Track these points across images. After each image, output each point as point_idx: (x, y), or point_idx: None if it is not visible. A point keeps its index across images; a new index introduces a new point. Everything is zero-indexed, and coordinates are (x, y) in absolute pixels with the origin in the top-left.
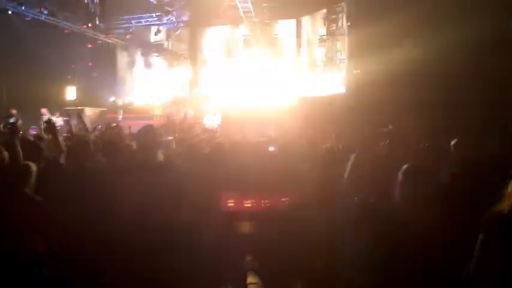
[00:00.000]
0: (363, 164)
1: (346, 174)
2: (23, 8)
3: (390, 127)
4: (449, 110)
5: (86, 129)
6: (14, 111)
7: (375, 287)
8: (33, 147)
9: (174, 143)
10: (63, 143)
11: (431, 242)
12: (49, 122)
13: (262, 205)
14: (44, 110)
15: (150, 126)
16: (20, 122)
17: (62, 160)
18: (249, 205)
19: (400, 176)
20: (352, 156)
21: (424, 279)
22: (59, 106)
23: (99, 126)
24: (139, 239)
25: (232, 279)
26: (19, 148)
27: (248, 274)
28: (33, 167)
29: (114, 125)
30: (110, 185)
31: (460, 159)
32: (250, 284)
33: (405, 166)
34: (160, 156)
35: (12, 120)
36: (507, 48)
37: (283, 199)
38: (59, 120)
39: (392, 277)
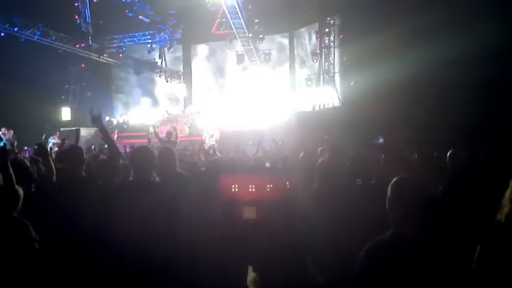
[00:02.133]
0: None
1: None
2: (16, 29)
3: (381, 139)
4: (442, 121)
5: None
6: (4, 130)
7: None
8: (23, 170)
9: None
10: (53, 165)
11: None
12: (40, 145)
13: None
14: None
15: (143, 147)
16: (12, 142)
17: (54, 179)
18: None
19: (389, 189)
20: None
21: None
22: (54, 127)
23: (93, 147)
24: (137, 258)
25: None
26: (11, 170)
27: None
28: (20, 191)
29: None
30: (106, 203)
31: (454, 170)
32: None
33: (394, 179)
34: (155, 176)
35: (2, 142)
36: (494, 59)
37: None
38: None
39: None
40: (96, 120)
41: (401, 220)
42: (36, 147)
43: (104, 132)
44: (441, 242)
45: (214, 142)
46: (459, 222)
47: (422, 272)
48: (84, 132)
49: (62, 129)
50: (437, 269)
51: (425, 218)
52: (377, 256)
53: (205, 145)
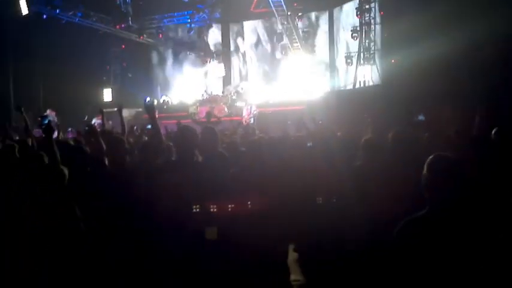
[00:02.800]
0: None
1: None
2: (57, 11)
3: (421, 117)
4: (484, 100)
5: (123, 130)
6: (49, 112)
7: None
8: (75, 151)
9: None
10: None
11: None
12: (91, 127)
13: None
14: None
15: (186, 126)
16: (56, 122)
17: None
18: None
19: (425, 167)
20: None
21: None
22: (95, 108)
23: (135, 128)
24: (177, 235)
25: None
26: (55, 148)
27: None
28: (65, 170)
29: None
30: (151, 183)
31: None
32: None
33: (430, 157)
34: (198, 156)
35: (46, 120)
36: None
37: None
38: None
39: None
40: (150, 109)
41: (435, 198)
42: (86, 128)
43: (154, 120)
44: (476, 220)
45: (252, 119)
46: (494, 200)
47: (456, 250)
48: (125, 113)
49: (104, 110)
50: (471, 247)
51: (460, 196)
52: (411, 233)
53: (244, 122)
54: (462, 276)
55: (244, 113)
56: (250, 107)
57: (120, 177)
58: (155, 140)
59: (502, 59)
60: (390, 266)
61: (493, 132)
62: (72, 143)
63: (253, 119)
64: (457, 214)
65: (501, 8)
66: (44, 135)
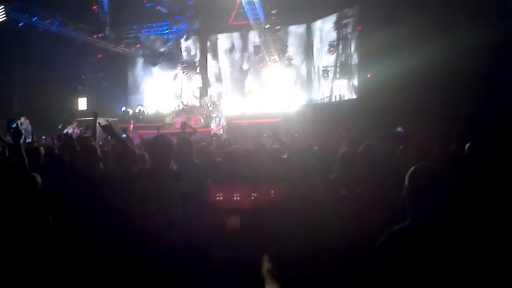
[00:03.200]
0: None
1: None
2: (34, 19)
3: (399, 129)
4: (460, 113)
5: (93, 136)
6: (23, 120)
7: None
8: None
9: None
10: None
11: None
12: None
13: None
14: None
15: (162, 135)
16: (29, 129)
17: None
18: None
19: (406, 178)
20: None
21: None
22: (71, 116)
23: (109, 137)
24: (155, 243)
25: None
26: (24, 153)
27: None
28: (38, 178)
29: (124, 135)
30: (123, 191)
31: (473, 161)
32: None
33: (412, 168)
34: (173, 165)
35: (14, 124)
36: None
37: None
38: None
39: None
40: (108, 130)
41: (418, 210)
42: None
43: (115, 136)
44: (459, 232)
45: (222, 130)
46: (477, 212)
47: (439, 263)
48: (101, 122)
49: (78, 119)
50: (454, 259)
51: (443, 208)
52: (394, 245)
53: (214, 133)
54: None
55: (213, 126)
56: (219, 119)
57: (92, 184)
58: (120, 149)
59: (476, 71)
60: (373, 278)
61: (466, 146)
62: (43, 150)
63: (223, 131)
64: (441, 225)
65: (474, 20)
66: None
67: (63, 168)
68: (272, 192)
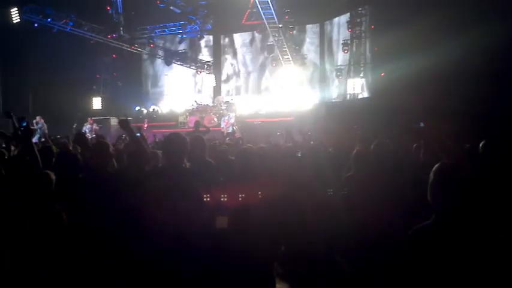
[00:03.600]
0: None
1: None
2: (49, 20)
3: (421, 124)
4: (473, 112)
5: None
6: (39, 119)
7: None
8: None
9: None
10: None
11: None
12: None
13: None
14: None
15: (177, 134)
16: (44, 128)
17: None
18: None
19: (431, 175)
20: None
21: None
22: (85, 115)
23: (124, 136)
24: (166, 240)
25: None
26: (36, 151)
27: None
28: (52, 176)
29: (138, 134)
30: (138, 188)
31: (489, 160)
32: None
33: (436, 166)
34: (186, 163)
35: (24, 123)
36: None
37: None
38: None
39: None
40: (125, 125)
41: (443, 207)
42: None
43: (131, 133)
44: (482, 229)
45: (231, 128)
46: (500, 209)
47: (463, 260)
48: (115, 121)
49: (93, 118)
50: (477, 256)
51: (467, 206)
52: (419, 244)
53: (227, 132)
54: (472, 284)
55: (223, 124)
56: (228, 117)
57: (104, 181)
58: (133, 147)
59: (488, 70)
60: (398, 276)
61: (480, 144)
62: (55, 148)
63: (232, 129)
64: (466, 222)
65: (490, 20)
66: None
67: (75, 165)
68: (278, 190)
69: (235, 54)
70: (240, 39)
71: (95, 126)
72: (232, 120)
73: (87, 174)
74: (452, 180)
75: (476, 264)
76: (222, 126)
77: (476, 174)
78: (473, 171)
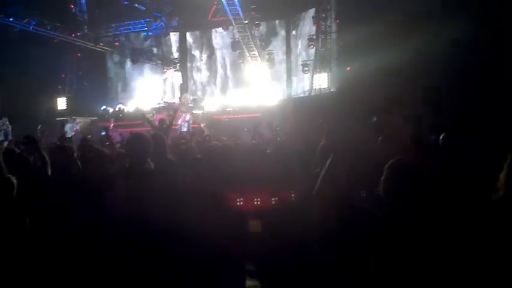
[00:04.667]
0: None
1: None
2: (11, 20)
3: (375, 119)
4: (436, 107)
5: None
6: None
7: None
8: (21, 160)
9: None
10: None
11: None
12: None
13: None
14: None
15: (139, 134)
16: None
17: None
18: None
19: (385, 170)
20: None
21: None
22: (49, 116)
23: (89, 136)
24: (132, 243)
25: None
26: (1, 160)
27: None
28: (14, 180)
29: (103, 133)
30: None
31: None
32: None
33: (391, 161)
34: (150, 163)
35: None
36: (484, 47)
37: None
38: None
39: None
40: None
41: (395, 201)
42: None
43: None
44: (435, 223)
45: (186, 126)
46: (453, 204)
47: (411, 253)
48: (80, 121)
49: (57, 118)
50: (431, 250)
51: (420, 200)
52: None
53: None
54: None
55: (179, 121)
56: (185, 115)
57: (66, 187)
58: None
59: (452, 67)
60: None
61: (440, 137)
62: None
63: (187, 127)
64: (417, 218)
65: (449, 18)
66: None
67: (29, 169)
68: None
69: (202, 51)
70: (206, 35)
71: (76, 127)
72: (187, 118)
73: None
74: (405, 176)
75: (423, 259)
76: (178, 123)
77: (428, 170)
78: (432, 163)
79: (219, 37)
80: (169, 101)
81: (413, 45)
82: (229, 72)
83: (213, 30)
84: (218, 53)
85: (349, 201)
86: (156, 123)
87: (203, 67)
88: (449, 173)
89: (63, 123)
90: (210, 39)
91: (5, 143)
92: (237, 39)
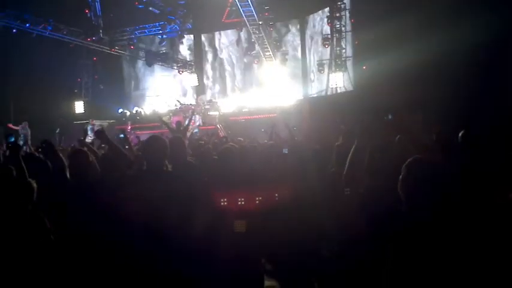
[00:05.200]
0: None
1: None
2: (27, 25)
3: (390, 117)
4: (455, 106)
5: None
6: (24, 125)
7: None
8: (40, 163)
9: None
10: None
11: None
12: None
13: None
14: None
15: (155, 136)
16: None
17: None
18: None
19: (403, 169)
20: (353, 148)
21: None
22: (67, 120)
23: (103, 145)
24: (147, 247)
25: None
26: (23, 164)
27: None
28: (34, 184)
29: (122, 136)
30: (117, 194)
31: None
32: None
33: (408, 160)
34: (168, 166)
35: (12, 139)
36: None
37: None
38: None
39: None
40: (101, 135)
41: (414, 200)
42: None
43: (109, 142)
44: (454, 222)
45: (196, 129)
46: (471, 202)
47: (432, 253)
48: (98, 124)
49: (75, 122)
50: (450, 249)
51: (439, 199)
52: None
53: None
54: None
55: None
56: (194, 118)
57: (83, 190)
58: (113, 153)
59: (471, 67)
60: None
61: (459, 135)
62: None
63: (197, 131)
64: (436, 217)
65: (470, 18)
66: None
67: (48, 173)
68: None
69: (217, 53)
70: (220, 37)
71: (96, 127)
72: (198, 122)
73: (62, 182)
74: (423, 174)
75: (445, 259)
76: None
77: (447, 168)
78: (451, 161)
79: (234, 39)
80: (185, 103)
81: (432, 44)
82: (245, 74)
83: (229, 31)
84: (232, 55)
85: (371, 199)
86: (173, 125)
87: (219, 69)
88: (468, 171)
89: (84, 127)
90: (226, 40)
91: (25, 147)
92: (252, 40)
